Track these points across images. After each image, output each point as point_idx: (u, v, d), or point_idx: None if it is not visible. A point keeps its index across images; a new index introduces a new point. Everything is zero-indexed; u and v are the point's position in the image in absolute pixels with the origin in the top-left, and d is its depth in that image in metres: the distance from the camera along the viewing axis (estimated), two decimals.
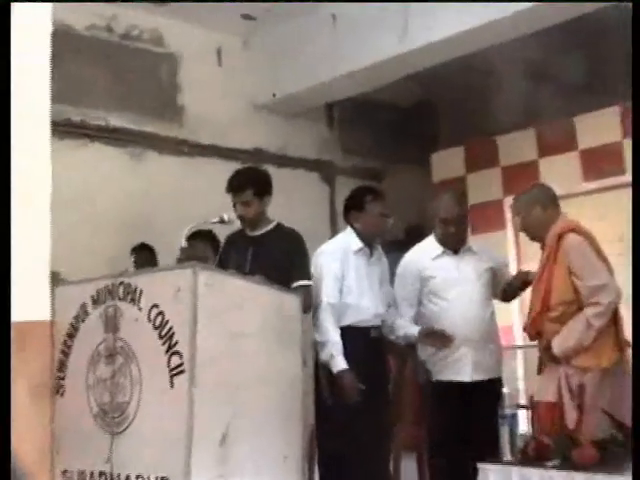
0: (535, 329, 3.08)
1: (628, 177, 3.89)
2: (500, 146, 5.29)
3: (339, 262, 3.37)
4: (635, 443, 2.19)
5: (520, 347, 4.73)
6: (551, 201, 3.19)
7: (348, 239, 3.46)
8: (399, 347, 3.66)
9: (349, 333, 3.32)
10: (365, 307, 3.39)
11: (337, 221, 5.52)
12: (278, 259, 3.28)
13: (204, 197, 4.33)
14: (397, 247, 3.88)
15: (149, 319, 2.80)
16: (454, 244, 3.52)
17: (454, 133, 5.62)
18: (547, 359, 3.01)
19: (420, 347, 3.52)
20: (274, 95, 5.13)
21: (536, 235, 3.18)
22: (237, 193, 3.33)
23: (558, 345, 2.94)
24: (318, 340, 3.30)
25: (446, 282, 3.48)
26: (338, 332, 3.29)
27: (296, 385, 3.04)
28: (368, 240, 3.44)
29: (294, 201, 4.86)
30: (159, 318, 2.78)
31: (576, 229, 3.06)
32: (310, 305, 3.31)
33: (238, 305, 2.87)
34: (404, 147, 5.73)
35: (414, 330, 3.44)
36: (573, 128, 4.90)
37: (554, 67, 5.04)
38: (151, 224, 4.61)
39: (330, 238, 4.93)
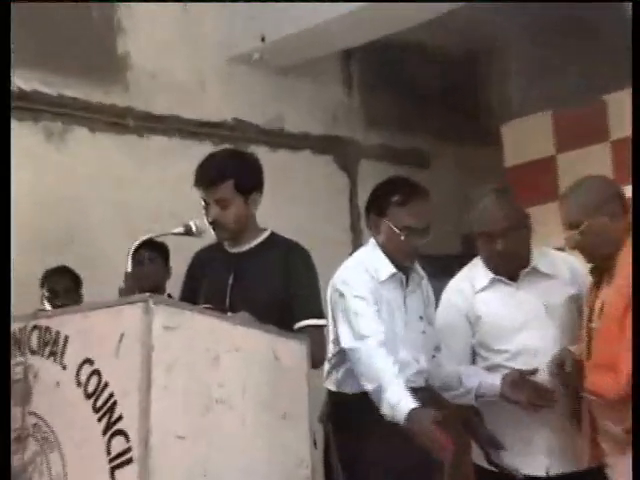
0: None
1: None
2: (611, 110, 5.36)
3: (372, 298, 3.40)
4: (635, 443, 2.58)
5: None
6: (621, 206, 3.23)
7: (373, 259, 3.52)
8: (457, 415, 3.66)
9: (364, 404, 3.31)
10: (403, 362, 3.39)
11: (360, 228, 5.62)
12: (273, 287, 3.33)
13: (160, 195, 4.31)
14: (449, 266, 3.92)
15: (78, 382, 2.78)
16: (507, 267, 3.51)
17: (533, 95, 5.72)
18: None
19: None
20: (263, 40, 5.17)
21: (599, 257, 3.24)
22: (209, 188, 3.35)
23: None
24: (370, 389, 3.27)
25: (499, 327, 3.51)
26: (396, 367, 3.27)
27: (301, 478, 3.06)
28: (398, 261, 3.49)
29: (296, 198, 5.01)
30: (93, 381, 2.76)
31: None
32: (323, 356, 3.36)
33: (213, 358, 2.87)
34: (458, 116, 5.82)
35: (492, 379, 3.42)
36: None
37: None
38: (77, 236, 4.62)
39: (352, 253, 4.91)
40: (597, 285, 3.27)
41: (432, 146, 5.90)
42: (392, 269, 3.45)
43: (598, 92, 5.38)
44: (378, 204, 3.48)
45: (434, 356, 3.59)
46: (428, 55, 5.79)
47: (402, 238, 3.40)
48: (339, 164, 5.71)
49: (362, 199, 5.61)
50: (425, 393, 3.44)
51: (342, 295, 3.41)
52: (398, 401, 3.18)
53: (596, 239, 3.20)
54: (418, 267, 3.59)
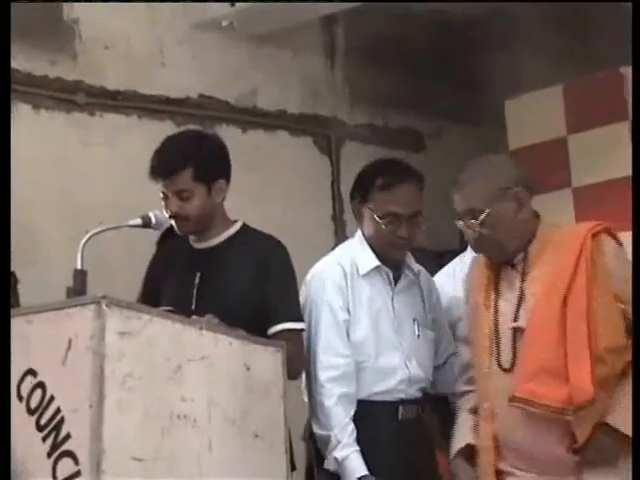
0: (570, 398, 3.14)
1: None
2: (628, 83, 5.43)
3: (340, 295, 3.48)
4: (635, 443, 2.70)
5: None
6: (529, 190, 3.27)
7: (354, 252, 3.58)
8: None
9: (360, 414, 3.44)
10: (387, 368, 3.50)
11: (343, 218, 5.74)
12: (245, 287, 3.37)
13: (114, 181, 4.31)
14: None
15: (19, 397, 2.78)
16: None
17: (544, 66, 5.77)
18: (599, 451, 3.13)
19: None
20: (233, 4, 5.20)
21: (504, 251, 3.28)
22: (166, 179, 3.38)
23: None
24: (317, 433, 3.44)
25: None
26: (349, 415, 3.43)
27: None
28: (383, 256, 3.54)
29: (270, 185, 5.05)
30: (37, 394, 2.76)
31: (608, 230, 3.22)
32: (302, 364, 3.43)
33: (175, 368, 2.88)
34: (458, 91, 5.85)
35: None
36: None
37: None
38: (15, 228, 4.61)
39: (334, 246, 4.93)
40: (495, 283, 3.28)
41: (428, 126, 5.93)
42: (374, 262, 3.51)
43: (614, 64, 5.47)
44: (361, 188, 3.55)
45: (445, 362, 3.69)
46: (422, 22, 5.80)
47: (383, 227, 3.45)
48: (320, 146, 5.78)
49: (346, 186, 5.74)
50: (414, 406, 3.53)
51: (309, 297, 3.52)
52: (348, 458, 3.37)
53: (501, 229, 3.20)
54: (412, 262, 3.64)
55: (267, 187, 4.79)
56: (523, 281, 3.21)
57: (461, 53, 5.85)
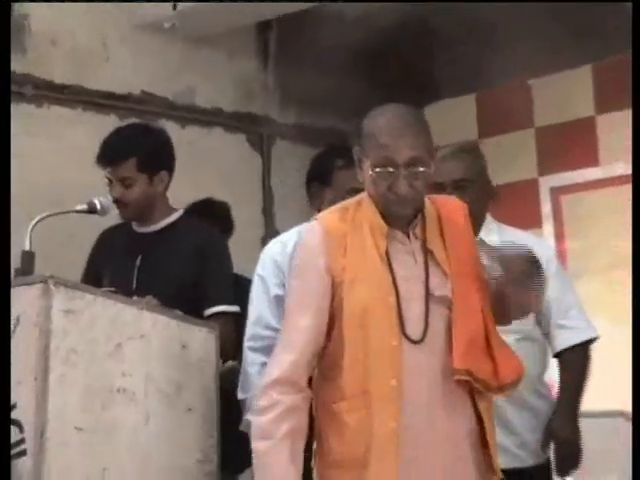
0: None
1: None
2: (535, 94, 5.58)
3: (277, 271, 3.38)
4: (635, 444, 2.60)
5: None
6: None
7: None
8: None
9: None
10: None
11: (273, 211, 5.73)
12: (183, 271, 3.40)
13: (60, 170, 4.27)
14: None
15: None
16: None
17: (462, 75, 5.84)
18: None
19: None
20: (174, 7, 5.19)
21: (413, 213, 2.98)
22: (112, 166, 3.41)
23: None
24: (239, 398, 3.33)
25: None
26: None
27: (204, 473, 3.13)
28: None
29: (205, 178, 5.01)
30: None
31: None
32: (234, 345, 3.41)
33: (116, 345, 2.91)
34: (384, 94, 5.82)
35: None
36: None
37: None
38: None
39: (263, 238, 4.93)
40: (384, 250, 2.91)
41: (354, 126, 5.96)
42: None
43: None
44: (321, 171, 3.52)
45: None
46: (353, 28, 5.80)
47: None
48: (252, 143, 5.79)
49: (276, 181, 5.80)
50: None
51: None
52: None
53: (424, 187, 2.89)
54: None
55: (202, 179, 4.78)
56: (424, 250, 2.90)
57: (390, 57, 5.87)
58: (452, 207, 3.01)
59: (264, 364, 3.20)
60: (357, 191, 3.22)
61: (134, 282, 3.37)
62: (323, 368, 2.86)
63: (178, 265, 3.41)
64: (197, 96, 5.52)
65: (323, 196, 3.48)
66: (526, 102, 5.69)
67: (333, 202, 3.31)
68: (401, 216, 2.86)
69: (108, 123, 3.88)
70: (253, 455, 2.79)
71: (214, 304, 3.40)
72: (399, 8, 5.76)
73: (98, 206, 3.32)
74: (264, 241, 5.42)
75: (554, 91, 5.70)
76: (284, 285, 3.32)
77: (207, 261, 3.46)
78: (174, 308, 3.12)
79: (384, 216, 2.86)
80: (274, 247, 3.46)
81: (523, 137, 5.71)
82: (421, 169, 2.80)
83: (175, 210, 3.56)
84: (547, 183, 5.74)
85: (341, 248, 2.86)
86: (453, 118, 5.71)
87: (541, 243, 3.89)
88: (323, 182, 3.49)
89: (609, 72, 5.43)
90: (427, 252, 2.89)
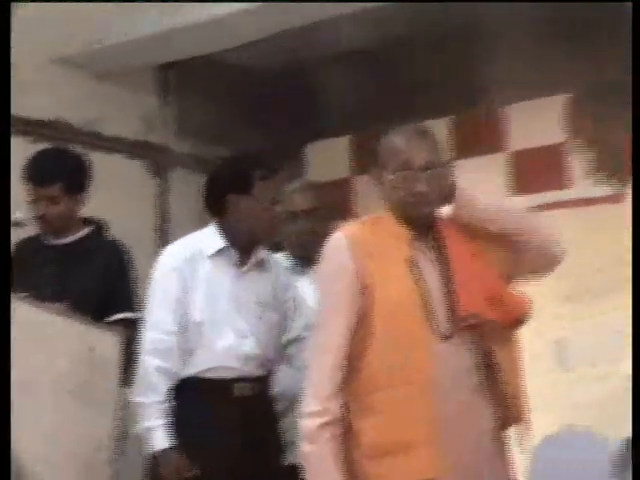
0: None
1: None
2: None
3: (178, 275, 3.28)
4: (635, 444, 2.46)
5: None
6: None
7: (203, 239, 3.39)
8: None
9: (194, 389, 3.28)
10: (223, 347, 3.29)
11: (168, 230, 5.79)
12: (92, 280, 3.46)
13: None
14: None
15: None
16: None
17: (344, 117, 5.97)
18: None
19: None
20: (90, 44, 5.30)
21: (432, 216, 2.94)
22: (41, 185, 3.50)
23: None
24: (131, 401, 3.28)
25: None
26: (166, 386, 3.24)
27: (101, 470, 3.17)
28: (245, 241, 3.38)
29: (109, 199, 5.00)
30: None
31: None
32: (133, 350, 3.38)
33: (30, 344, 2.99)
34: (272, 132, 5.98)
35: None
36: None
37: None
38: None
39: (157, 253, 5.00)
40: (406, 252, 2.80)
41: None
42: (221, 243, 3.34)
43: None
44: (241, 183, 3.33)
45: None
46: (244, 74, 5.97)
47: (268, 209, 3.32)
48: (151, 170, 5.85)
49: (173, 204, 5.91)
50: (253, 385, 3.32)
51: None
52: (152, 429, 3.19)
53: (438, 190, 2.85)
54: (264, 250, 3.47)
55: (106, 200, 4.74)
56: (440, 260, 2.82)
57: (275, 103, 6.02)
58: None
59: (160, 368, 3.21)
60: (274, 201, 3.36)
61: (47, 290, 3.35)
62: (350, 362, 2.74)
63: (88, 275, 3.44)
64: (103, 125, 5.54)
65: (240, 205, 3.33)
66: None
67: (250, 210, 3.31)
68: (421, 217, 2.80)
69: (24, 146, 3.89)
70: (301, 457, 2.75)
71: (119, 311, 3.44)
72: (282, 58, 5.86)
73: (19, 218, 3.42)
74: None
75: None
76: (183, 289, 3.28)
77: (112, 271, 3.51)
78: (83, 314, 3.20)
79: (405, 225, 2.80)
80: (172, 253, 3.38)
81: None
82: (437, 170, 2.79)
83: (87, 225, 3.64)
84: None
85: (367, 253, 2.77)
86: (331, 156, 5.84)
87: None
88: (242, 192, 3.33)
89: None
90: (444, 262, 2.81)
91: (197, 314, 3.29)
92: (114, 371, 3.26)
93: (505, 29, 5.25)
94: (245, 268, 3.38)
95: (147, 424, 3.21)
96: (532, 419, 2.84)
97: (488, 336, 2.80)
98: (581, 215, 5.13)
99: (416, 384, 2.69)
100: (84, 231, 3.63)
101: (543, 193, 5.22)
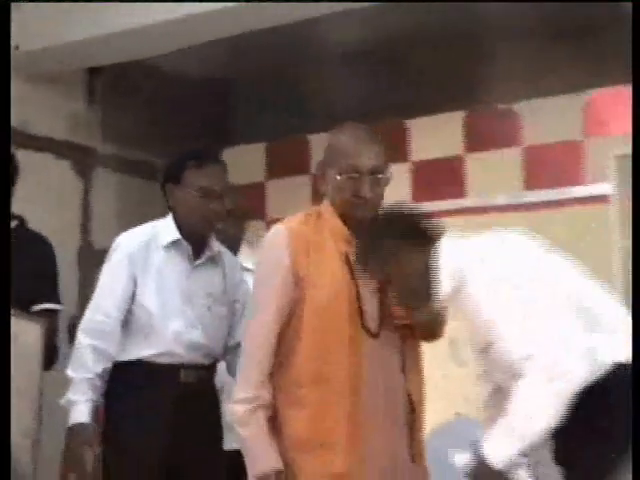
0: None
1: None
2: (314, 147, 5.94)
3: (129, 261, 3.30)
4: (635, 444, 2.46)
5: None
6: None
7: (159, 228, 3.40)
8: None
9: (140, 373, 3.30)
10: (172, 332, 3.30)
11: (90, 228, 5.89)
12: (16, 273, 3.35)
13: None
14: None
15: None
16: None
17: (259, 124, 6.19)
18: None
19: None
20: (17, 47, 5.33)
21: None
22: None
23: None
24: (69, 375, 3.28)
25: None
26: (99, 365, 3.25)
27: (22, 455, 3.18)
28: (192, 232, 3.37)
29: (34, 197, 5.06)
30: None
31: None
32: (56, 345, 3.52)
33: None
34: (192, 137, 6.06)
35: None
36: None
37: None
38: None
39: (79, 253, 4.91)
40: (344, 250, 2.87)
41: (163, 161, 6.15)
42: (176, 235, 3.35)
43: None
44: (174, 172, 3.38)
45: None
46: (172, 79, 6.13)
47: (204, 203, 3.32)
48: (76, 170, 5.92)
49: (95, 204, 5.99)
50: (200, 373, 3.35)
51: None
52: (74, 403, 3.21)
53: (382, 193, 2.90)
54: (214, 243, 3.46)
55: (30, 198, 4.58)
56: None
57: (196, 108, 6.20)
58: None
59: (93, 347, 3.24)
60: (206, 190, 3.31)
61: None
62: (280, 354, 2.78)
63: (14, 265, 3.33)
64: (34, 125, 5.61)
65: (175, 195, 3.37)
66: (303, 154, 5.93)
67: (184, 200, 3.34)
68: (363, 219, 2.80)
69: None
70: (238, 441, 2.83)
71: (40, 301, 3.47)
72: (211, 65, 6.09)
73: None
74: (80, 251, 5.83)
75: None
76: (132, 276, 3.30)
77: (38, 264, 3.55)
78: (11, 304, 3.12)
79: (344, 223, 2.83)
80: (128, 238, 3.40)
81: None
82: (381, 176, 2.82)
83: (13, 218, 3.63)
84: None
85: (304, 247, 2.79)
86: (244, 161, 5.99)
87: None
88: (175, 181, 3.36)
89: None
90: None
91: (147, 302, 3.31)
92: (36, 358, 3.30)
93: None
94: (198, 262, 3.40)
95: (72, 397, 3.23)
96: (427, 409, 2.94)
97: (413, 336, 2.87)
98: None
99: (340, 381, 2.72)
100: (12, 224, 3.61)
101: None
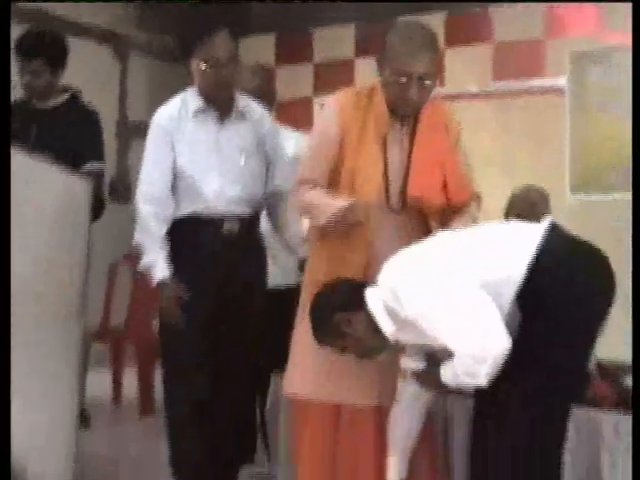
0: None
1: None
2: (316, 40, 6.51)
3: (163, 134, 3.38)
4: (635, 444, 2.53)
5: None
6: None
7: (187, 99, 3.45)
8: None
9: (187, 228, 3.41)
10: (211, 189, 3.39)
11: (126, 104, 6.35)
12: (69, 137, 3.71)
13: None
14: None
15: None
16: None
17: (268, 17, 6.66)
18: None
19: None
20: None
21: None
22: (25, 59, 3.73)
23: None
24: (135, 240, 3.42)
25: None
26: (162, 228, 3.38)
27: (74, 298, 3.28)
28: (211, 98, 3.42)
29: (78, 76, 4.83)
30: None
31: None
32: (102, 199, 3.76)
33: (26, 183, 3.08)
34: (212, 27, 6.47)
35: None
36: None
37: None
38: None
39: (117, 125, 5.62)
40: (384, 132, 2.96)
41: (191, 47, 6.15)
42: (200, 103, 3.42)
43: None
44: (188, 48, 3.42)
45: (272, 192, 3.56)
46: None
47: (204, 69, 3.36)
48: (115, 54, 6.32)
49: (131, 84, 6.37)
50: (240, 222, 3.43)
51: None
52: (154, 262, 3.33)
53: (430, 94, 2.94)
54: (242, 99, 3.52)
55: (75, 77, 4.39)
56: (411, 141, 2.96)
57: None
58: (436, 112, 3.02)
59: (153, 213, 3.37)
60: (215, 60, 3.33)
61: (37, 144, 3.56)
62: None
63: (65, 133, 3.69)
64: (78, 14, 5.94)
65: (192, 68, 3.41)
66: None
67: (197, 71, 3.38)
68: (405, 113, 2.91)
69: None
70: (295, 205, 3.06)
71: (90, 160, 3.71)
72: None
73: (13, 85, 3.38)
74: (118, 124, 6.29)
75: None
76: (169, 144, 3.40)
77: (85, 129, 3.80)
78: (62, 164, 3.33)
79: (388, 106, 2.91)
80: (159, 115, 3.47)
81: None
82: (429, 82, 2.84)
83: (66, 91, 3.87)
84: None
85: (349, 122, 2.93)
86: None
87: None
88: (190, 56, 3.39)
89: None
90: (410, 148, 2.94)
91: (185, 166, 3.41)
92: (84, 211, 3.40)
93: None
94: (229, 121, 3.47)
95: (147, 259, 3.37)
96: None
97: (431, 217, 2.94)
98: None
99: (356, 239, 2.89)
100: (63, 97, 3.85)
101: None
